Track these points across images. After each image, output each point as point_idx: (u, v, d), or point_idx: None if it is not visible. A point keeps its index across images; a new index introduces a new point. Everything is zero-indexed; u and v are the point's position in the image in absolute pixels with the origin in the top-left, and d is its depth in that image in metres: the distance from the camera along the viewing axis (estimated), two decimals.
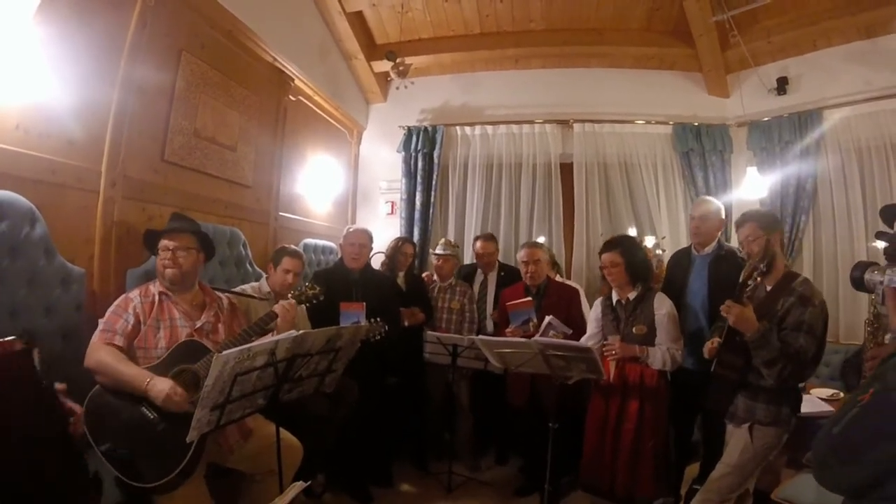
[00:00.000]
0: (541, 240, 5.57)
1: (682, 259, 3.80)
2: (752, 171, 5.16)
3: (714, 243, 3.60)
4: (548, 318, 3.65)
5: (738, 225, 3.03)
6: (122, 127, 3.03)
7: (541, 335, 3.52)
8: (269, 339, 2.25)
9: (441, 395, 4.36)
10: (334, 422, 3.39)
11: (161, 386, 2.26)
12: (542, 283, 3.95)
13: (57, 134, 2.65)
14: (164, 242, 2.63)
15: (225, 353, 1.96)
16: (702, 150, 5.47)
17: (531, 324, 3.73)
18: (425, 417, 4.46)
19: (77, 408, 1.88)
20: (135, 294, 2.56)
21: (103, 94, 2.92)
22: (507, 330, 3.79)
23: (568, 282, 4.77)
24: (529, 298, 3.84)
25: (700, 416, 3.61)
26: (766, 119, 5.27)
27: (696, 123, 5.53)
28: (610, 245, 3.44)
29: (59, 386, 1.86)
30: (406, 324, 4.09)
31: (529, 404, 3.76)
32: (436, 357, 4.06)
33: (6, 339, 1.65)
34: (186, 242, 2.67)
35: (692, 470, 3.65)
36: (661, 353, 3.20)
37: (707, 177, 5.45)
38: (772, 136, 5.20)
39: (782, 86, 5.20)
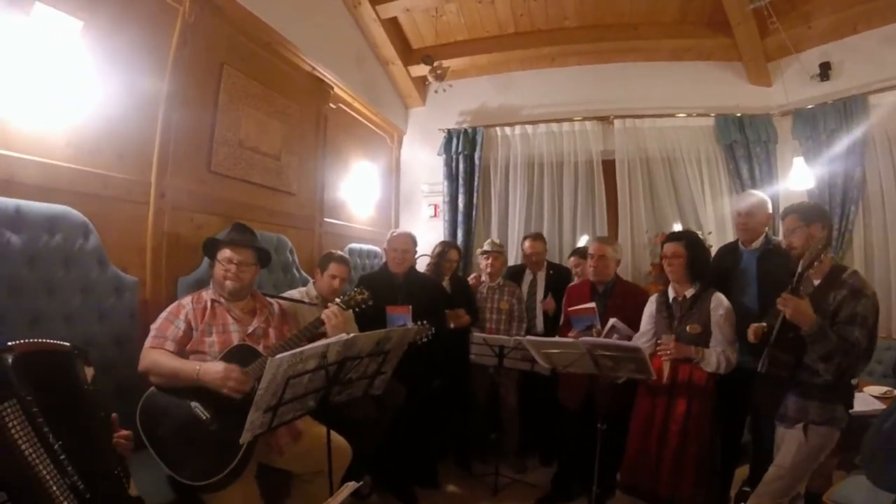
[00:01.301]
0: (584, 239, 5.52)
1: (728, 254, 3.63)
2: (798, 161, 4.87)
3: (762, 238, 3.43)
4: (612, 322, 3.49)
5: (782, 218, 2.90)
6: (169, 140, 3.09)
7: (604, 338, 3.40)
8: (320, 342, 2.22)
9: (486, 396, 4.29)
10: (381, 424, 3.37)
11: (215, 368, 2.31)
12: (609, 283, 3.78)
13: (106, 149, 2.72)
14: (227, 254, 2.67)
15: (279, 356, 1.96)
16: (745, 141, 5.22)
17: (594, 330, 3.55)
18: (470, 419, 4.40)
19: (126, 433, 1.87)
20: (187, 301, 2.60)
21: (149, 110, 2.99)
22: (570, 334, 3.60)
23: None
24: (592, 305, 3.64)
25: (750, 416, 3.44)
26: (809, 107, 4.98)
27: (739, 114, 5.28)
28: (675, 236, 3.34)
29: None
30: (452, 326, 4.05)
31: (584, 406, 3.59)
32: (482, 358, 3.99)
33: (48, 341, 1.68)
34: (248, 257, 2.72)
35: (742, 472, 3.47)
36: (717, 356, 3.04)
37: (752, 169, 5.20)
38: (817, 125, 4.91)
39: (825, 71, 4.90)
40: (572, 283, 4.18)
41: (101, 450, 1.65)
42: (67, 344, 1.62)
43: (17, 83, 2.24)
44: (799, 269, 2.52)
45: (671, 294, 3.29)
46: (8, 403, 1.35)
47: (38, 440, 1.39)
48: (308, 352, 2.10)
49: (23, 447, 1.35)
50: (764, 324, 2.73)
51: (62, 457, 1.45)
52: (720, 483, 3.34)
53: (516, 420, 4.41)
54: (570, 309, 3.74)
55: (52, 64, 2.33)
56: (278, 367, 1.97)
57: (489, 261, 4.46)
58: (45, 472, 1.39)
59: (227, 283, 2.65)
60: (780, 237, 3.41)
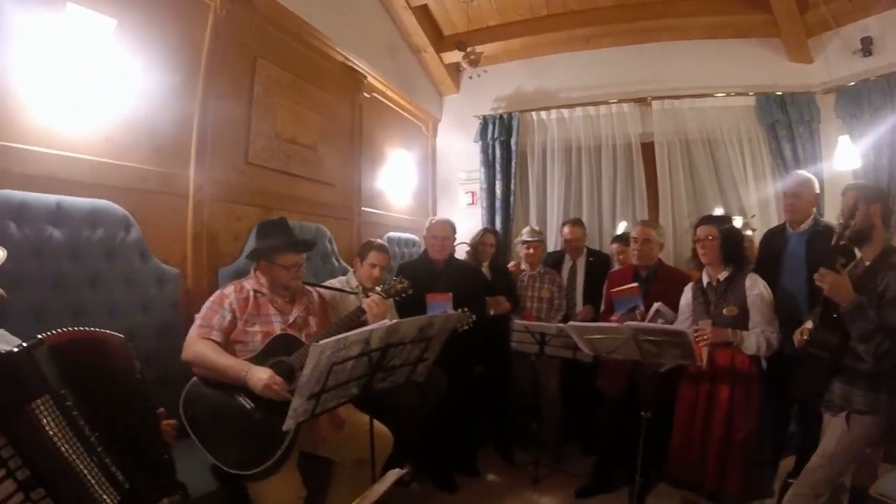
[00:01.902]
0: (623, 225, 5.34)
1: (776, 237, 3.47)
2: (844, 140, 4.57)
3: (810, 219, 3.27)
4: (656, 305, 3.37)
5: (844, 192, 2.71)
6: (206, 133, 3.09)
7: (649, 322, 3.27)
8: (363, 329, 2.19)
9: (528, 384, 4.18)
10: (423, 411, 3.32)
11: (260, 374, 2.28)
12: (652, 267, 3.65)
13: (144, 143, 2.73)
14: (293, 258, 2.67)
15: (322, 342, 1.93)
16: (788, 120, 4.92)
17: (638, 311, 3.43)
18: (511, 407, 4.32)
19: (171, 424, 1.89)
20: (229, 290, 2.59)
21: (186, 104, 2.99)
22: (613, 318, 3.48)
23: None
24: (635, 284, 3.53)
25: (797, 407, 3.28)
26: (852, 84, 4.67)
27: (780, 93, 4.98)
28: (708, 219, 3.22)
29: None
30: (492, 313, 3.97)
31: (627, 394, 3.46)
32: (523, 346, 3.89)
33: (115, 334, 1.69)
34: (302, 260, 2.74)
35: (787, 463, 3.31)
36: (756, 337, 2.90)
37: (795, 149, 4.90)
38: (861, 102, 4.59)
39: (867, 46, 4.58)
40: (614, 269, 4.04)
41: (145, 436, 1.65)
42: (106, 331, 1.61)
43: (54, 82, 2.26)
44: (833, 241, 2.42)
45: (705, 279, 3.18)
46: (41, 400, 1.33)
47: (73, 434, 1.37)
48: (351, 338, 2.06)
49: (58, 443, 1.33)
50: (809, 325, 2.58)
51: (99, 449, 1.44)
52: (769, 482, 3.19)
53: (557, 408, 4.30)
54: (612, 290, 3.62)
55: (87, 62, 2.34)
56: (322, 354, 1.94)
57: (529, 250, 4.37)
58: (81, 466, 1.37)
59: (293, 283, 2.67)
60: (828, 218, 3.25)
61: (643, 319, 3.36)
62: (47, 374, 1.39)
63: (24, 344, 1.37)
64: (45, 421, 1.32)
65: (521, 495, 3.69)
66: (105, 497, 1.40)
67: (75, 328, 1.56)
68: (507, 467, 4.12)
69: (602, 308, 3.97)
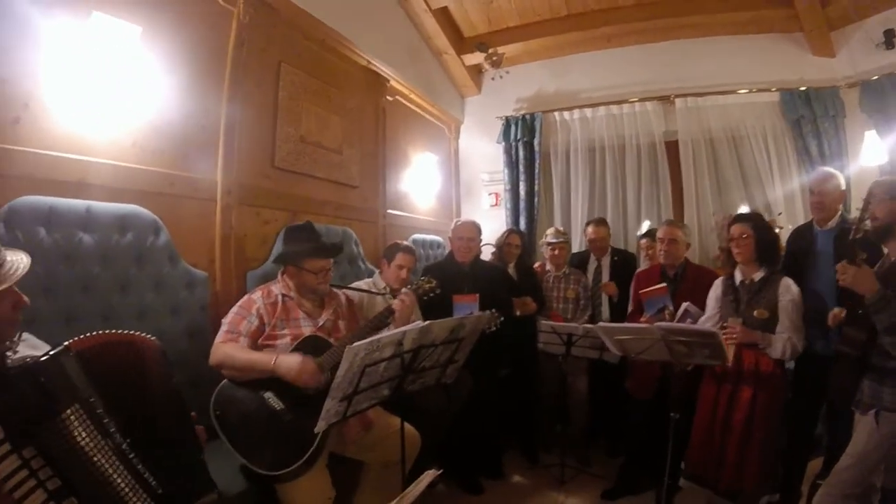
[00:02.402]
0: (646, 224, 5.23)
1: (803, 236, 3.35)
2: (870, 135, 4.41)
3: (837, 217, 3.15)
4: (685, 305, 3.29)
5: (870, 191, 2.60)
6: (233, 138, 3.07)
7: (678, 322, 3.20)
8: (397, 330, 2.15)
9: (554, 385, 4.10)
10: (450, 413, 3.26)
11: (290, 361, 2.27)
12: (679, 267, 3.57)
13: (172, 149, 2.72)
14: (321, 263, 2.63)
15: (356, 344, 1.90)
16: (812, 116, 4.75)
17: (667, 311, 3.37)
18: (537, 408, 4.23)
19: (200, 430, 1.88)
20: (257, 295, 2.56)
21: (212, 109, 2.98)
22: (642, 319, 3.42)
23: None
24: (664, 285, 3.46)
25: (825, 406, 3.16)
26: (876, 77, 4.50)
27: (804, 88, 4.82)
28: (742, 217, 3.11)
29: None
30: (518, 313, 3.89)
31: (657, 394, 3.37)
32: (550, 347, 3.80)
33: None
34: (330, 264, 2.70)
35: (816, 465, 3.18)
36: (783, 342, 2.82)
37: (821, 145, 4.73)
38: (885, 96, 4.42)
39: (889, 39, 4.41)
40: (641, 269, 3.95)
41: (179, 439, 1.64)
42: (137, 334, 1.61)
43: (81, 89, 2.25)
44: (850, 235, 2.38)
45: (738, 277, 3.07)
46: (71, 410, 1.30)
47: (104, 442, 1.35)
48: (385, 340, 2.03)
49: (89, 452, 1.31)
50: (844, 309, 2.53)
51: (131, 455, 1.41)
52: (791, 475, 3.12)
53: (584, 409, 4.20)
54: (641, 291, 3.54)
55: (113, 69, 2.32)
56: (355, 356, 1.91)
57: (554, 251, 4.28)
58: (113, 474, 1.35)
59: (321, 288, 2.64)
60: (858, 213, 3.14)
61: (672, 319, 3.29)
62: (76, 381, 1.36)
63: (52, 352, 1.34)
64: (75, 430, 1.29)
65: (547, 497, 3.61)
66: (137, 503, 1.38)
67: (103, 332, 1.55)
68: (532, 469, 4.04)
69: (630, 308, 3.86)
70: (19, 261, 1.36)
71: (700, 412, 3.03)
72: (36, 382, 1.27)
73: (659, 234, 3.61)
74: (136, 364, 1.60)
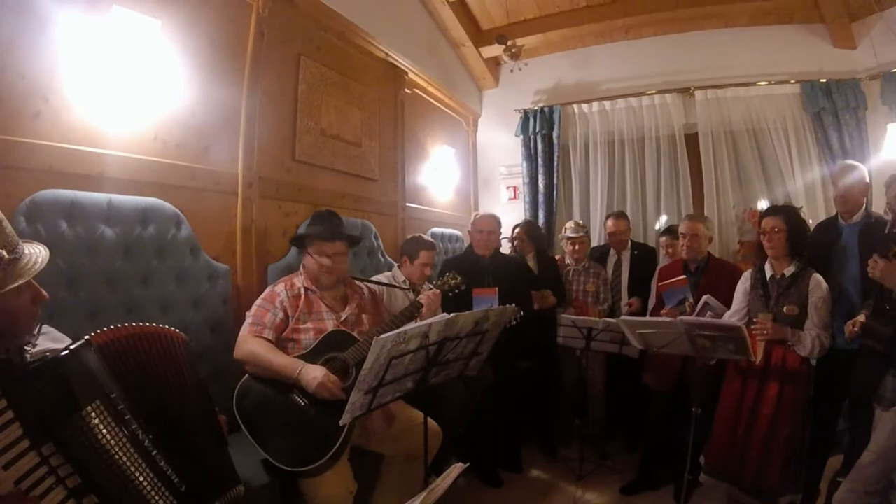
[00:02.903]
0: (663, 219, 5.18)
1: (827, 230, 3.26)
2: (892, 127, 4.25)
3: (862, 210, 3.07)
4: (705, 297, 3.21)
5: (890, 183, 2.63)
6: (254, 131, 3.03)
7: (697, 315, 3.13)
8: (423, 322, 2.11)
9: (574, 380, 4.03)
10: (470, 406, 3.21)
11: (314, 373, 2.22)
12: (701, 261, 3.49)
13: (193, 142, 2.68)
14: (324, 248, 2.57)
15: (383, 336, 1.85)
16: (834, 108, 4.62)
17: (687, 304, 3.29)
18: (556, 402, 4.16)
19: (221, 421, 1.85)
20: (280, 288, 2.52)
21: (232, 103, 2.93)
22: (663, 311, 3.35)
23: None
24: (683, 277, 3.40)
25: (847, 403, 3.07)
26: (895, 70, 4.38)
27: (825, 80, 4.68)
28: (774, 210, 3.01)
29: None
30: (536, 307, 3.82)
31: (676, 388, 3.32)
32: (569, 341, 3.73)
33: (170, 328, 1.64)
34: (340, 248, 2.62)
35: (835, 462, 3.08)
36: (811, 339, 2.74)
37: (842, 137, 4.61)
38: None
39: None
40: (663, 264, 3.86)
41: (203, 433, 1.61)
42: (160, 326, 1.57)
43: (101, 83, 2.21)
44: (887, 229, 2.39)
45: (768, 272, 2.97)
46: (91, 406, 1.26)
47: (125, 439, 1.31)
48: (411, 332, 1.98)
49: (110, 449, 1.27)
50: (862, 318, 2.49)
51: (153, 452, 1.38)
52: (810, 473, 3.01)
53: (602, 404, 4.15)
54: (660, 284, 3.47)
55: (133, 63, 2.29)
56: (383, 348, 1.86)
57: (575, 246, 4.20)
58: (135, 471, 1.31)
59: (324, 278, 2.57)
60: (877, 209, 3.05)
61: (692, 312, 3.22)
62: (97, 376, 1.32)
63: (72, 346, 1.30)
64: (96, 427, 1.25)
65: (565, 491, 3.56)
66: (160, 500, 1.34)
67: (125, 325, 1.50)
68: (550, 463, 3.99)
69: (653, 303, 3.79)
70: (38, 254, 1.31)
71: (723, 407, 2.96)
72: (56, 378, 1.23)
73: (681, 229, 3.52)
74: (160, 357, 1.56)
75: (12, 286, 1.21)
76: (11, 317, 1.29)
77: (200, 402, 1.68)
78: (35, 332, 1.37)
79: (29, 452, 1.15)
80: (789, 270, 2.88)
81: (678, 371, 3.28)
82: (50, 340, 1.48)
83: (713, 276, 3.41)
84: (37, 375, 1.21)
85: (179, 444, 1.50)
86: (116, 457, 1.27)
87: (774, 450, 2.74)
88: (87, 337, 1.34)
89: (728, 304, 3.16)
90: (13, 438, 1.13)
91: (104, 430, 1.26)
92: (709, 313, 3.18)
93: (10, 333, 1.32)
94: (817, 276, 2.83)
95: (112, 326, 1.47)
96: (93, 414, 1.25)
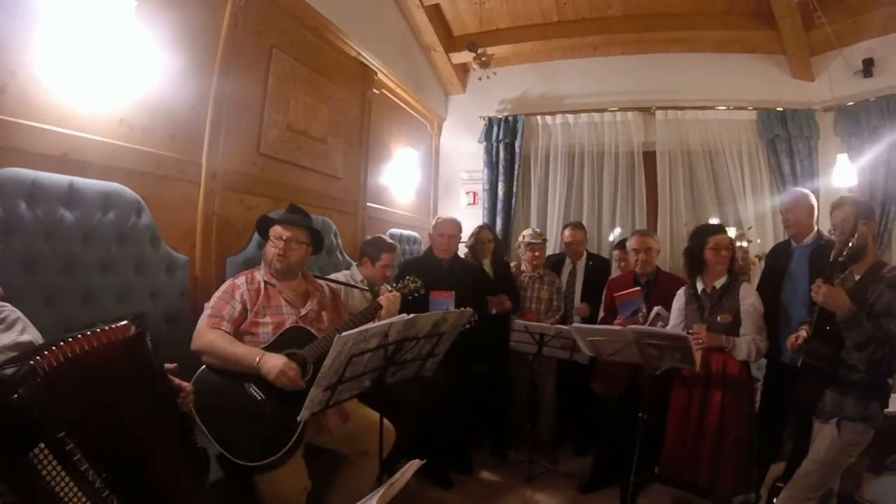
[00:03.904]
0: (616, 231, 5.37)
1: (781, 252, 3.46)
2: (842, 157, 4.62)
3: (813, 233, 3.27)
4: (656, 309, 3.40)
5: (835, 207, 2.76)
6: (220, 122, 2.99)
7: (649, 325, 3.29)
8: (384, 321, 2.15)
9: (525, 384, 4.12)
10: (424, 407, 3.26)
11: (274, 361, 2.23)
12: (651, 274, 3.66)
13: (159, 129, 2.63)
14: (278, 230, 2.57)
15: (345, 334, 1.88)
16: (788, 136, 4.92)
17: (640, 314, 3.45)
18: (507, 406, 4.25)
19: (186, 385, 1.80)
20: (241, 281, 2.51)
21: (201, 91, 2.89)
22: (617, 320, 3.50)
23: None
24: (638, 288, 3.56)
25: (792, 414, 3.26)
26: (850, 104, 4.69)
27: (781, 109, 4.97)
28: (722, 229, 3.28)
29: (169, 365, 1.76)
30: (493, 311, 3.89)
31: (625, 395, 3.46)
32: (521, 346, 3.83)
33: (120, 324, 1.54)
34: (299, 236, 2.61)
35: (777, 468, 3.29)
36: (747, 344, 2.95)
37: (794, 164, 4.90)
38: (860, 122, 4.61)
39: (868, 68, 4.61)
40: (613, 276, 4.00)
41: (141, 450, 1.50)
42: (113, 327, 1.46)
43: (71, 61, 2.15)
44: (831, 257, 2.48)
45: (699, 286, 3.19)
46: (36, 450, 1.15)
47: (74, 484, 1.21)
48: (372, 330, 2.03)
49: (59, 493, 1.18)
50: (803, 332, 2.63)
51: (105, 493, 1.28)
52: (756, 478, 3.21)
53: (552, 408, 4.26)
54: (616, 294, 3.62)
55: (106, 43, 2.23)
56: (344, 345, 1.89)
57: (535, 253, 4.29)
58: None
59: (276, 261, 2.54)
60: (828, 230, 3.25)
61: (645, 321, 3.39)
62: (41, 415, 1.20)
63: (13, 373, 1.18)
64: (44, 472, 1.16)
65: (516, 492, 3.65)
66: None
67: (77, 336, 1.37)
68: (500, 465, 4.07)
69: (602, 314, 3.93)
70: None
71: (673, 416, 3.11)
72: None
73: (633, 245, 3.67)
74: (117, 369, 1.46)
75: None
76: None
77: (160, 399, 1.63)
78: None
79: None
80: (720, 282, 3.08)
81: (628, 379, 3.43)
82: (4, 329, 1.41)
83: (662, 289, 3.57)
84: None
85: (137, 474, 1.42)
86: (66, 501, 1.19)
87: (724, 453, 2.90)
88: (31, 362, 1.22)
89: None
90: None
91: (53, 475, 1.18)
92: (660, 323, 3.35)
93: None
94: (747, 285, 3.07)
95: (62, 342, 1.33)
96: (39, 458, 1.16)
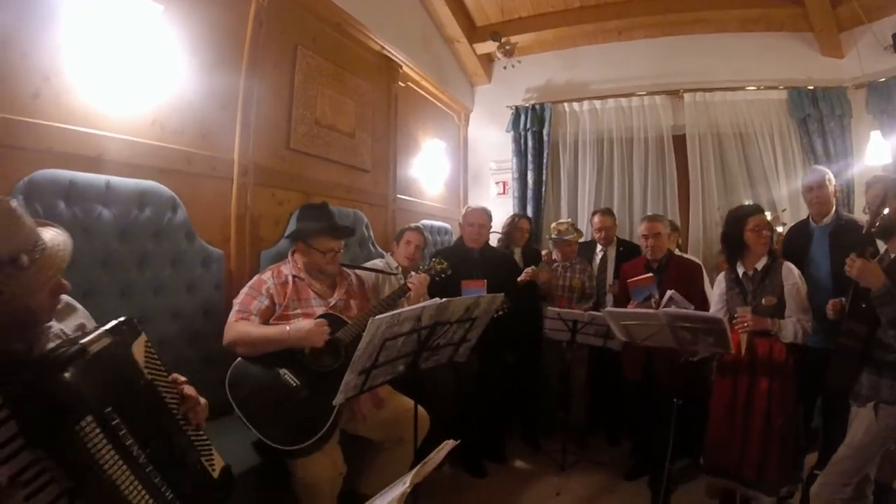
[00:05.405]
0: None
1: (800, 232, 3.36)
2: (875, 135, 4.37)
3: (832, 213, 3.16)
4: (669, 293, 3.25)
5: (869, 186, 2.69)
6: (250, 119, 3.03)
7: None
8: (417, 305, 2.16)
9: (557, 372, 4.07)
10: (458, 395, 3.25)
11: (303, 324, 2.29)
12: (663, 258, 3.55)
13: (190, 128, 2.67)
14: (329, 244, 2.59)
15: (378, 317, 1.88)
16: (819, 115, 4.71)
17: (653, 300, 3.34)
18: (540, 395, 4.20)
19: (192, 395, 1.61)
20: (267, 276, 2.53)
21: (230, 90, 2.93)
22: (630, 306, 3.39)
23: (689, 256, 4.29)
24: (650, 274, 3.45)
25: (821, 400, 3.18)
26: (882, 80, 4.46)
27: (811, 87, 4.76)
28: (759, 209, 3.09)
29: (178, 377, 1.62)
30: (520, 279, 3.81)
31: (644, 379, 3.41)
32: (555, 333, 3.76)
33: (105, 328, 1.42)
34: (340, 246, 2.67)
35: (812, 458, 3.18)
36: (793, 325, 2.78)
37: (826, 144, 4.70)
38: (892, 98, 4.40)
39: None
40: (627, 262, 3.90)
41: (176, 442, 1.49)
42: (114, 324, 1.40)
43: (104, 66, 2.20)
44: (864, 230, 2.39)
45: (740, 270, 3.03)
46: (83, 423, 1.15)
47: (120, 457, 1.21)
48: (405, 314, 2.02)
49: (104, 465, 1.18)
50: (843, 299, 2.51)
51: (149, 469, 1.30)
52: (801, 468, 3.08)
53: (585, 397, 4.19)
54: (629, 280, 3.51)
55: (135, 47, 2.28)
56: (378, 328, 1.90)
57: (572, 246, 4.21)
58: (128, 487, 1.22)
59: (329, 269, 2.61)
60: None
61: (657, 307, 3.25)
62: (88, 391, 1.20)
63: (63, 352, 1.21)
64: (89, 442, 1.16)
65: (548, 482, 3.58)
66: None
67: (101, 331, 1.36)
68: (533, 454, 4.02)
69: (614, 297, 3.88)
70: (59, 246, 1.27)
71: (717, 405, 2.98)
72: (54, 387, 1.14)
73: (642, 230, 3.59)
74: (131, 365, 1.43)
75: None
76: (29, 313, 1.25)
77: (161, 402, 1.52)
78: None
79: (24, 451, 1.10)
80: (761, 264, 2.94)
81: (643, 361, 3.38)
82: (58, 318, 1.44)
83: (675, 272, 3.48)
84: (34, 382, 1.14)
85: (171, 455, 1.42)
86: (109, 472, 1.19)
87: (772, 444, 2.77)
88: (82, 342, 1.24)
89: (688, 299, 3.21)
90: (8, 436, 1.08)
91: (99, 447, 1.17)
92: (672, 307, 3.20)
93: (25, 329, 1.27)
94: (788, 264, 2.90)
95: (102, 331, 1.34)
96: (87, 429, 1.16)
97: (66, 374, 1.16)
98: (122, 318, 1.42)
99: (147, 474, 1.29)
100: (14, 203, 1.23)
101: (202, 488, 1.52)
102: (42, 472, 1.13)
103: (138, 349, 1.44)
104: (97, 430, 1.17)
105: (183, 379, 1.60)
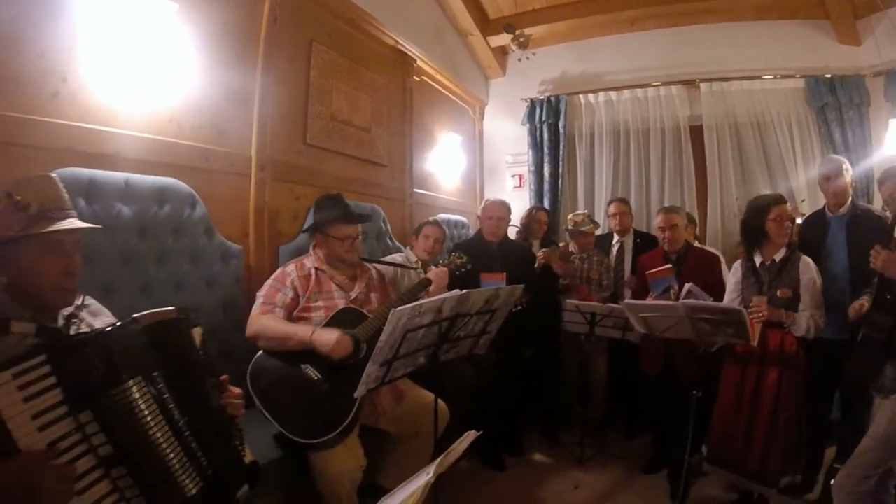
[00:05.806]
0: None
1: (816, 222, 3.26)
2: (894, 123, 4.23)
3: (848, 203, 3.06)
4: (687, 286, 3.19)
5: (881, 182, 2.64)
6: (266, 115, 3.02)
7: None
8: (437, 297, 2.13)
9: (576, 366, 4.03)
10: (477, 388, 3.22)
11: (329, 335, 2.26)
12: (681, 250, 3.49)
13: (207, 125, 2.67)
14: (346, 230, 2.59)
15: (399, 308, 1.87)
16: (837, 104, 4.58)
17: (672, 291, 3.28)
18: (558, 388, 4.16)
19: (237, 394, 1.69)
20: (291, 268, 2.54)
21: (246, 86, 2.92)
22: (648, 298, 3.35)
23: (706, 248, 4.22)
24: (669, 266, 3.39)
25: (840, 392, 3.09)
26: None
27: (829, 76, 4.63)
28: (782, 199, 3.01)
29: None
30: (536, 265, 3.79)
31: (663, 372, 3.35)
32: (573, 326, 3.72)
33: (165, 308, 1.54)
34: (358, 232, 2.67)
35: (831, 453, 3.10)
36: (806, 319, 2.73)
37: (845, 133, 4.57)
38: None
39: None
40: (644, 254, 3.84)
41: (216, 419, 1.55)
42: (172, 309, 1.50)
43: (120, 65, 2.20)
44: (890, 222, 2.34)
45: (758, 260, 2.97)
46: (133, 381, 1.26)
47: (162, 417, 1.30)
48: (426, 305, 2.01)
49: (145, 425, 1.26)
50: (866, 299, 2.44)
51: (187, 433, 1.36)
52: (810, 463, 3.00)
53: (604, 390, 4.14)
54: (648, 272, 3.46)
55: (151, 45, 2.27)
56: (399, 320, 1.89)
57: (588, 238, 4.17)
58: (167, 449, 1.29)
59: (350, 258, 2.61)
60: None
61: (676, 299, 3.19)
62: (141, 353, 1.32)
63: (120, 323, 1.32)
64: (135, 401, 1.25)
65: (567, 475, 3.55)
66: (188, 481, 1.32)
67: (168, 308, 1.49)
68: (551, 448, 3.98)
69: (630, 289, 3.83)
70: (71, 224, 1.35)
71: (724, 395, 2.94)
72: (102, 348, 1.23)
73: (659, 223, 3.54)
74: (182, 341, 1.53)
75: (15, 234, 1.26)
76: (35, 278, 1.31)
77: (209, 383, 1.61)
78: (79, 301, 1.42)
79: (66, 418, 1.14)
80: (779, 255, 2.88)
81: (663, 355, 3.32)
82: (90, 314, 1.48)
83: (692, 264, 3.42)
84: (82, 346, 1.22)
85: (210, 429, 1.48)
86: (151, 432, 1.26)
87: (777, 436, 2.74)
88: (134, 315, 1.34)
89: (706, 290, 3.15)
90: (51, 403, 1.13)
91: (142, 406, 1.26)
92: (691, 299, 3.17)
93: (38, 302, 1.33)
94: (806, 259, 2.84)
95: (157, 310, 1.45)
96: (134, 388, 1.25)
97: (121, 332, 1.31)
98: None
99: (185, 438, 1.35)
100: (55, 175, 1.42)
101: (233, 468, 1.56)
102: (80, 442, 1.17)
103: (197, 333, 1.57)
104: (144, 388, 1.27)
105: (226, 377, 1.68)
